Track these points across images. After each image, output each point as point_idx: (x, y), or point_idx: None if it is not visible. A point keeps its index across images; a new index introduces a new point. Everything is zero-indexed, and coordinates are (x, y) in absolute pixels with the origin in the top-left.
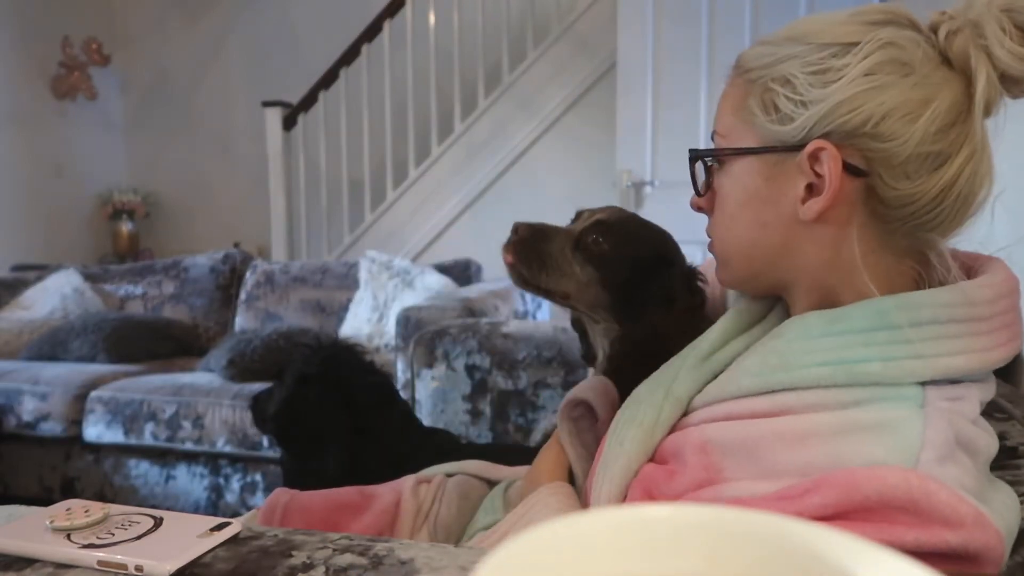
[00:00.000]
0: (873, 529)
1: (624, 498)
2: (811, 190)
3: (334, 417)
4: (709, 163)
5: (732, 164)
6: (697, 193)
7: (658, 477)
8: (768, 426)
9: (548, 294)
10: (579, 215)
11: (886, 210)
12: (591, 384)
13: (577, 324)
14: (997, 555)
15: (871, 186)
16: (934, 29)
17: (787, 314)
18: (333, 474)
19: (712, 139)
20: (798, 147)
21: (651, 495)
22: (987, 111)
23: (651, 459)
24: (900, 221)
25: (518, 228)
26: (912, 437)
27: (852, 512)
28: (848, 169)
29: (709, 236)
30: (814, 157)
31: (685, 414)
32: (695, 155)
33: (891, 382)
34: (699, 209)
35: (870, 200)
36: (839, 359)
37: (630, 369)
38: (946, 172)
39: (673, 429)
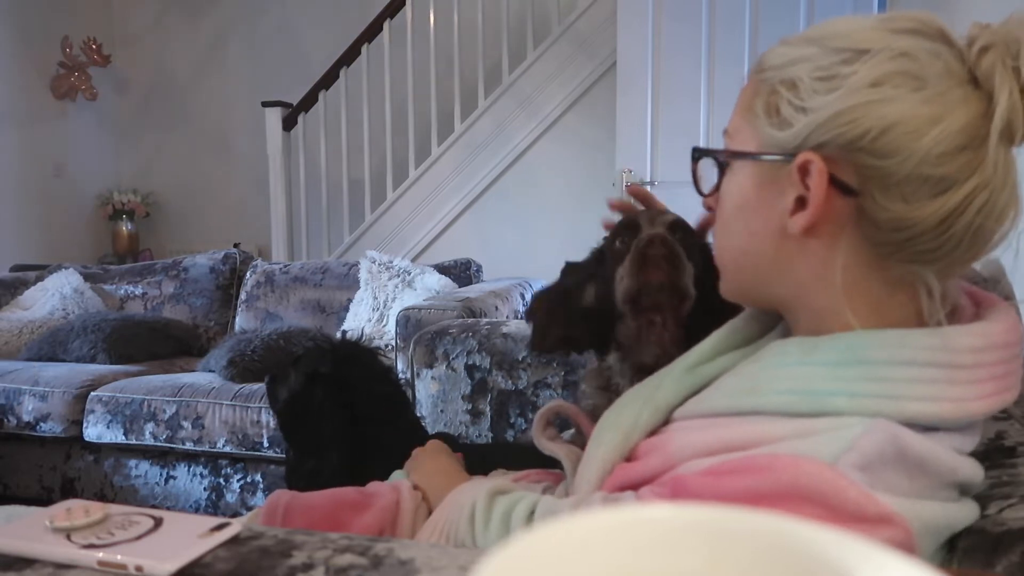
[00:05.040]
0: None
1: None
2: (801, 203)
3: (337, 421)
4: (720, 161)
5: (732, 166)
6: (698, 191)
7: (627, 471)
8: (734, 429)
9: (681, 297)
10: (631, 221)
11: (877, 233)
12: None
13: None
14: (906, 552)
15: (862, 206)
16: (970, 43)
17: (786, 337)
18: (328, 476)
19: (723, 136)
20: (791, 156)
21: (621, 489)
22: (1010, 138)
23: (627, 460)
24: (894, 247)
25: (661, 239)
26: (844, 440)
27: (767, 496)
28: (837, 185)
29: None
30: (803, 169)
31: (665, 424)
32: (697, 154)
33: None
34: (710, 209)
35: (861, 220)
36: (807, 388)
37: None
38: (949, 200)
39: (651, 435)
